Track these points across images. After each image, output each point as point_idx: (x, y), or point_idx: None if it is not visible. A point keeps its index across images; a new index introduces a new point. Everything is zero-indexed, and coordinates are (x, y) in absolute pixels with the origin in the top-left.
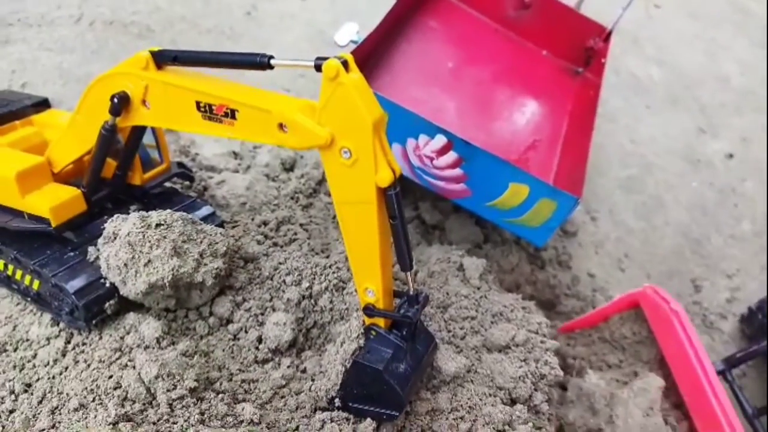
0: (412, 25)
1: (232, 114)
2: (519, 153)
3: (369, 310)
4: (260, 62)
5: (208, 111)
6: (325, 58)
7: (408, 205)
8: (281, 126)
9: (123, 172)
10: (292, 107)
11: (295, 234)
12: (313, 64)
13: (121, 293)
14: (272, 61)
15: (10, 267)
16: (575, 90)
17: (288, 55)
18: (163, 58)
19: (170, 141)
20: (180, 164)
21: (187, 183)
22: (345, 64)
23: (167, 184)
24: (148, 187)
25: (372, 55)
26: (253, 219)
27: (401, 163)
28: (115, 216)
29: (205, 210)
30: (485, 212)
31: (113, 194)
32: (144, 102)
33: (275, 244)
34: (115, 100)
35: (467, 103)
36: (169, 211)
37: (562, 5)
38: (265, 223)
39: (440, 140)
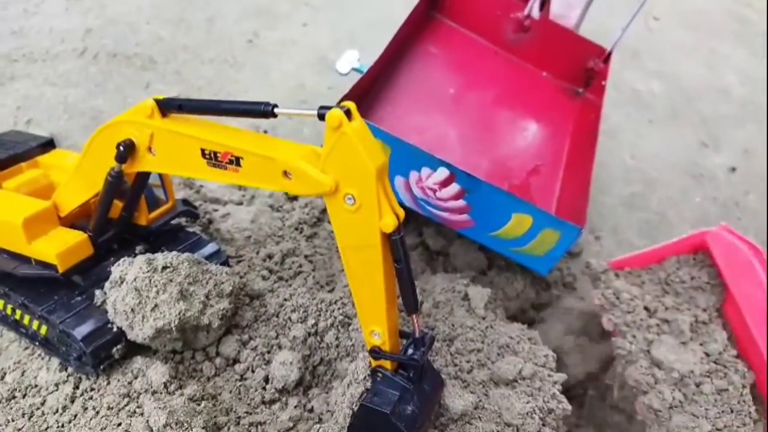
0: (413, 51)
1: (236, 161)
2: (521, 179)
3: (375, 353)
4: (264, 111)
5: (213, 158)
6: (328, 108)
7: (412, 231)
8: (286, 173)
9: (129, 213)
10: (296, 155)
11: (300, 266)
12: (316, 113)
13: (128, 338)
14: (276, 110)
15: (18, 312)
16: (576, 111)
17: (291, 81)
18: (167, 107)
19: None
20: (185, 201)
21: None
22: (347, 113)
23: (173, 222)
24: (153, 227)
25: (374, 86)
26: (258, 253)
27: (404, 194)
28: (122, 260)
29: (210, 247)
30: (489, 242)
31: (119, 235)
32: (150, 149)
33: (280, 278)
34: (121, 148)
35: (469, 129)
36: (175, 253)
37: (561, 27)
38: (270, 257)
39: (443, 173)
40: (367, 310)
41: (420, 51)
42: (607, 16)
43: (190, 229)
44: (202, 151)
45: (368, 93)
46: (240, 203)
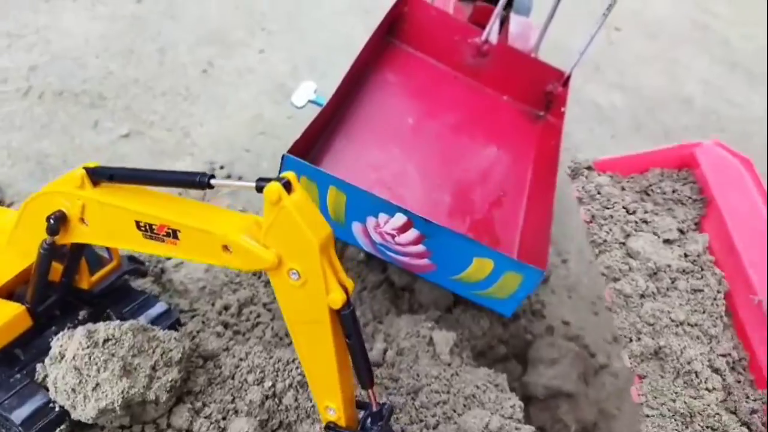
0: (370, 81)
1: (174, 234)
2: (483, 212)
3: (331, 429)
4: (200, 182)
5: (149, 230)
6: (267, 180)
7: (376, 267)
8: (226, 247)
9: (69, 279)
10: (237, 227)
11: (258, 317)
12: (254, 185)
13: (72, 417)
14: (212, 181)
15: None
16: (537, 135)
17: (248, 112)
18: (98, 176)
19: None
20: (131, 258)
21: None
22: (287, 184)
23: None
24: (97, 290)
25: (331, 119)
26: (213, 305)
27: (362, 239)
28: (61, 334)
29: (159, 307)
30: (451, 285)
31: (61, 300)
32: (82, 220)
33: (237, 332)
34: (52, 220)
35: (429, 161)
36: (117, 322)
37: (519, 52)
38: (226, 308)
39: (400, 218)
40: (320, 385)
41: (378, 80)
42: (567, 33)
43: (139, 284)
44: (137, 223)
45: (326, 127)
46: None
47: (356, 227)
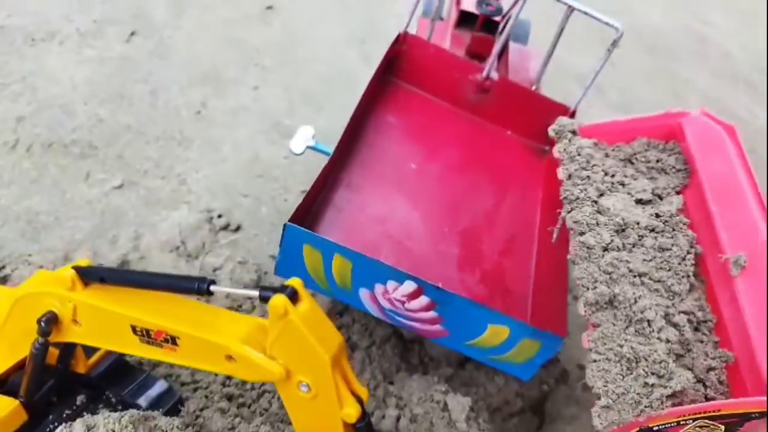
0: (371, 125)
1: (172, 340)
2: (493, 262)
3: None
4: (199, 289)
5: (145, 335)
6: (271, 290)
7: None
8: (229, 357)
9: (65, 365)
10: (240, 335)
11: (263, 384)
12: (258, 294)
13: None
14: (212, 288)
15: None
16: (544, 171)
17: (244, 153)
18: (89, 277)
19: None
20: None
21: None
22: (293, 294)
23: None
24: (94, 374)
25: (333, 169)
26: (216, 375)
27: (370, 305)
28: (59, 430)
29: (159, 387)
30: (465, 350)
31: (57, 386)
32: (75, 321)
33: (242, 405)
34: (43, 323)
35: (435, 208)
36: (117, 415)
37: (521, 87)
38: (229, 377)
39: (410, 285)
40: None
41: (378, 122)
42: (567, 50)
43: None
44: (133, 327)
45: (327, 179)
46: None
47: (364, 293)
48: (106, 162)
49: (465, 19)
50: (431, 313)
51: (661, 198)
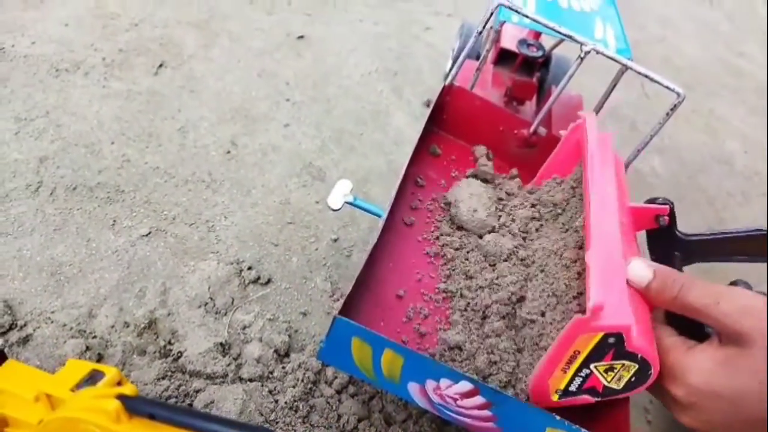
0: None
1: None
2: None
3: None
4: None
5: None
6: None
7: None
8: None
9: None
10: None
11: None
12: None
13: None
14: None
15: None
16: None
17: (275, 197)
18: (136, 411)
19: (149, 341)
20: None
21: None
22: None
23: None
24: None
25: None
26: None
27: (419, 398)
28: None
29: None
30: None
31: None
32: None
33: None
34: None
35: None
36: None
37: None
38: None
39: (465, 385)
40: None
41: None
42: (600, 83)
43: None
44: None
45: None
46: (224, 376)
47: (412, 387)
48: (134, 207)
49: (504, 56)
50: (485, 412)
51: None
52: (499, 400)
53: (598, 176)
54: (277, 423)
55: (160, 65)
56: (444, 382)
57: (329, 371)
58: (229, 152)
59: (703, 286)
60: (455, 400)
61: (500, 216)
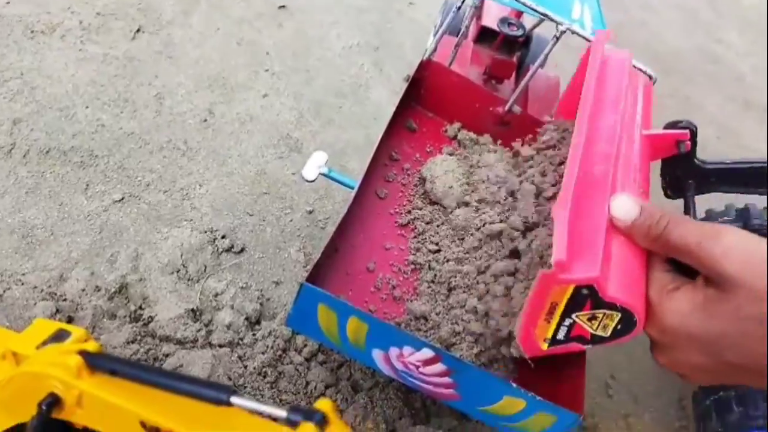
0: (387, 157)
1: None
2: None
3: None
4: (218, 399)
5: (155, 431)
6: (301, 412)
7: None
8: None
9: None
10: None
11: None
12: (285, 415)
13: None
14: (233, 399)
15: None
16: None
17: (251, 167)
18: (97, 367)
19: (119, 305)
20: None
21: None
22: (322, 421)
23: None
24: None
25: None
26: None
27: (383, 365)
28: None
29: None
30: (478, 415)
31: None
32: (79, 404)
33: None
34: (44, 407)
35: None
36: None
37: (541, 121)
38: None
39: (426, 353)
40: None
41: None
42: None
43: None
44: (142, 423)
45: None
46: (194, 341)
47: (377, 353)
48: (107, 173)
49: (485, 34)
50: (446, 379)
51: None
52: (459, 368)
53: (594, 106)
54: (245, 388)
55: (138, 30)
56: (407, 350)
57: (299, 339)
58: (205, 120)
59: (689, 224)
60: (417, 367)
61: (474, 190)
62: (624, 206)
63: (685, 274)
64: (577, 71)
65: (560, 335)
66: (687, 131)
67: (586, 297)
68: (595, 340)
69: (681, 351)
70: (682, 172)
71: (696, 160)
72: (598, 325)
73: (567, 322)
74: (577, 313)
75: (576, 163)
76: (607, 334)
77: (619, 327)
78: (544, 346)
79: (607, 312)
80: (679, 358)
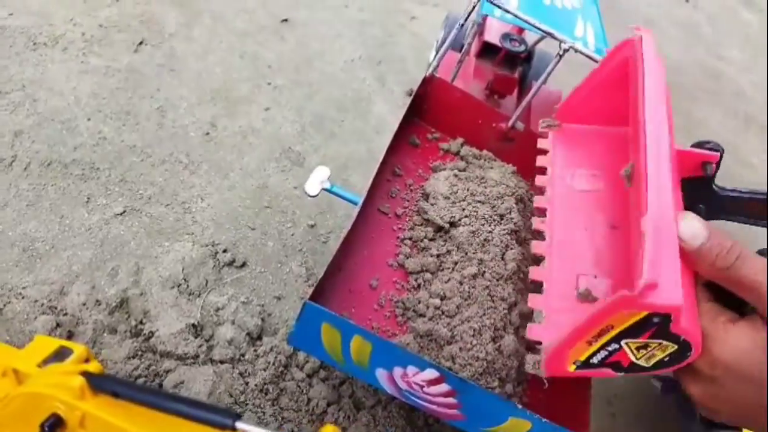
0: (389, 170)
1: None
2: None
3: None
4: (222, 424)
5: None
6: None
7: None
8: None
9: None
10: None
11: None
12: None
13: None
14: (237, 424)
15: None
16: None
17: (252, 181)
18: (100, 388)
19: (120, 320)
20: None
21: None
22: None
23: None
24: None
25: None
26: None
27: (386, 385)
28: None
29: None
30: None
31: None
32: (82, 425)
33: None
34: (46, 428)
35: None
36: None
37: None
38: None
39: (431, 373)
40: None
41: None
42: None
43: None
44: None
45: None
46: (195, 357)
47: (381, 373)
48: (109, 185)
49: (487, 49)
50: (450, 399)
51: None
52: (464, 389)
53: (655, 112)
54: (246, 405)
55: (141, 43)
56: (411, 370)
57: (301, 356)
58: (208, 134)
59: (757, 261)
60: (421, 387)
61: (476, 206)
62: (692, 228)
63: (726, 305)
64: (598, 71)
65: (596, 359)
66: (717, 154)
67: (653, 325)
68: (633, 368)
69: (726, 387)
70: (696, 195)
71: (714, 186)
72: (646, 354)
73: (612, 347)
74: (629, 340)
75: (654, 163)
76: (650, 365)
77: (667, 359)
78: (572, 368)
79: (664, 343)
80: (720, 394)
